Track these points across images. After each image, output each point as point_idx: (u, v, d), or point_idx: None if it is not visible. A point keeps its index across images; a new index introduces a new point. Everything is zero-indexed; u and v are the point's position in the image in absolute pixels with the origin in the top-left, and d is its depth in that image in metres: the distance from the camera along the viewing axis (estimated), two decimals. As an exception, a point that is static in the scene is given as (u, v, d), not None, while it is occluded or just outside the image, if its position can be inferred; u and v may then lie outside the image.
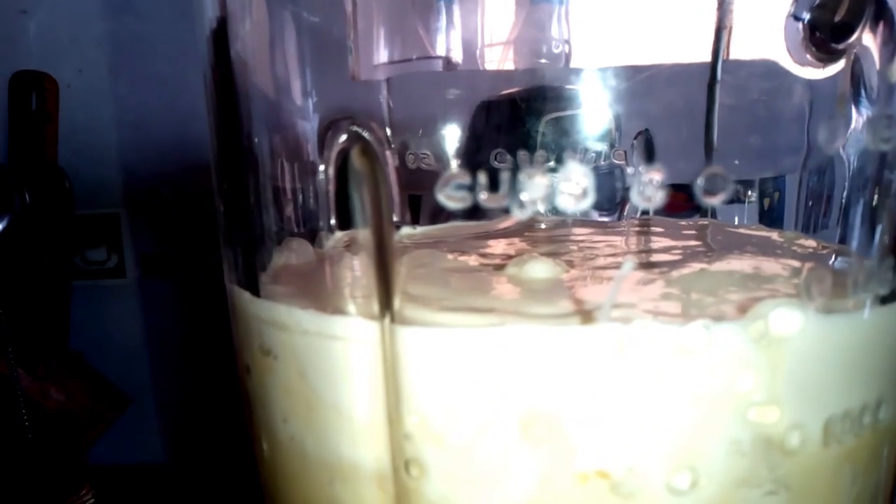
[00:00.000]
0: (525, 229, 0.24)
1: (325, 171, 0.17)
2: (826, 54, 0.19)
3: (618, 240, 0.23)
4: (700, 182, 0.13)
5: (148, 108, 0.57)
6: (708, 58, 0.20)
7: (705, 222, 0.23)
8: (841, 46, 0.18)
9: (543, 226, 0.24)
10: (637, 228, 0.23)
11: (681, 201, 0.20)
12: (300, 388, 0.17)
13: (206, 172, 0.22)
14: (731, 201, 0.21)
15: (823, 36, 0.19)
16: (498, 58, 0.23)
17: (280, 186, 0.19)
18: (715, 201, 0.13)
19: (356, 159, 0.14)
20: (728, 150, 0.21)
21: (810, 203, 0.20)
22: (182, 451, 0.69)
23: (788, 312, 0.14)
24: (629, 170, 0.21)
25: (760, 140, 0.20)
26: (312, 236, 0.20)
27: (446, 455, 0.15)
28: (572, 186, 0.13)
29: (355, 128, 0.15)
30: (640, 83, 0.17)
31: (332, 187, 0.17)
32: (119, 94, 0.57)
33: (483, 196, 0.13)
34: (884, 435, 0.17)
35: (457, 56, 0.22)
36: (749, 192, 0.23)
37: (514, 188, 0.13)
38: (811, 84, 0.20)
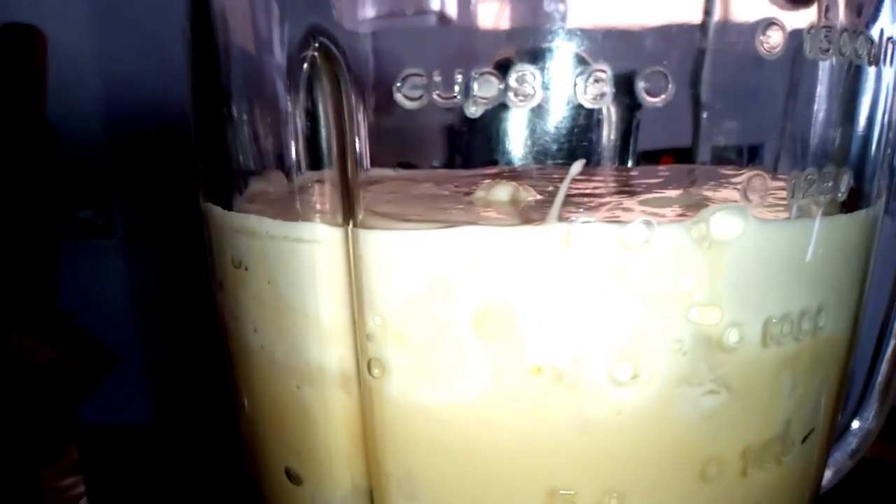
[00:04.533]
0: (505, 174, 0.25)
1: (292, 98, 0.17)
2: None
3: (595, 179, 0.23)
4: (642, 83, 0.14)
5: (136, 65, 0.58)
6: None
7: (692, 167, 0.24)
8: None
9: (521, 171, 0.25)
10: (615, 173, 0.24)
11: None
12: (270, 296, 0.18)
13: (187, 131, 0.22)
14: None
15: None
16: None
17: (256, 131, 0.20)
18: (657, 102, 0.14)
19: (321, 62, 0.15)
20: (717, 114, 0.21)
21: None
22: (168, 412, 0.70)
23: (729, 217, 0.15)
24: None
25: (748, 104, 0.21)
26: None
27: (406, 353, 0.16)
28: (524, 86, 0.14)
29: (322, 38, 0.15)
30: (629, 44, 0.18)
31: (300, 120, 0.17)
32: (106, 51, 0.58)
33: (437, 94, 0.14)
34: (825, 344, 0.18)
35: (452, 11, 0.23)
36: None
37: (468, 88, 0.14)
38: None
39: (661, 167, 0.24)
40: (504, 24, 0.16)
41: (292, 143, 0.17)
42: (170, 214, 0.63)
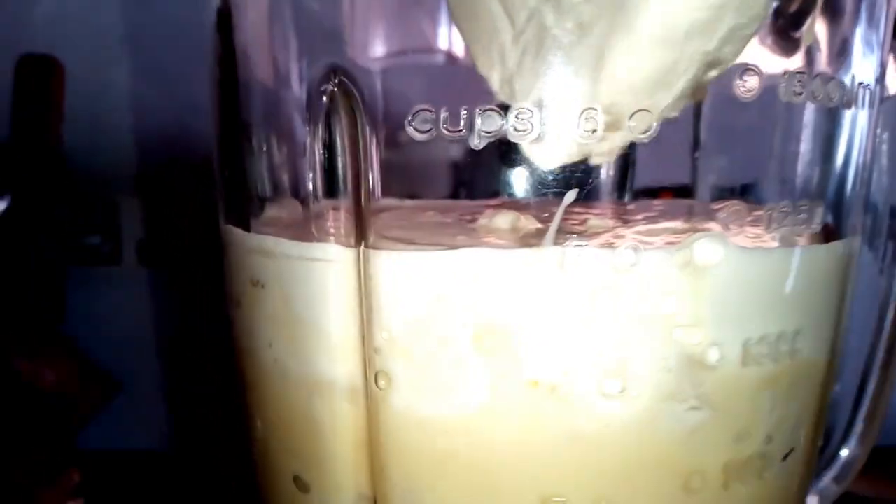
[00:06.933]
0: (506, 204, 0.26)
1: (311, 130, 0.19)
2: (785, 44, 0.21)
3: (593, 211, 0.24)
4: (630, 121, 0.15)
5: (151, 99, 0.60)
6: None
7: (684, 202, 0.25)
8: (797, 35, 0.20)
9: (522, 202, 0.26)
10: (614, 206, 0.25)
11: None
12: (284, 313, 0.19)
13: (206, 164, 0.24)
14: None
15: (783, 23, 0.21)
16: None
17: (273, 161, 0.21)
18: (643, 138, 0.15)
19: (340, 98, 0.17)
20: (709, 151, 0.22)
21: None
22: (174, 439, 0.70)
23: (710, 244, 0.16)
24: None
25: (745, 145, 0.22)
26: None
27: (410, 367, 0.17)
28: (524, 124, 0.15)
29: (341, 75, 0.17)
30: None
31: (318, 151, 0.19)
32: (123, 83, 0.59)
33: (445, 128, 0.15)
34: (803, 366, 0.19)
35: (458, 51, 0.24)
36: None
37: (473, 123, 0.15)
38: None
39: (656, 202, 0.25)
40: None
41: (310, 173, 0.19)
42: (178, 242, 0.65)
